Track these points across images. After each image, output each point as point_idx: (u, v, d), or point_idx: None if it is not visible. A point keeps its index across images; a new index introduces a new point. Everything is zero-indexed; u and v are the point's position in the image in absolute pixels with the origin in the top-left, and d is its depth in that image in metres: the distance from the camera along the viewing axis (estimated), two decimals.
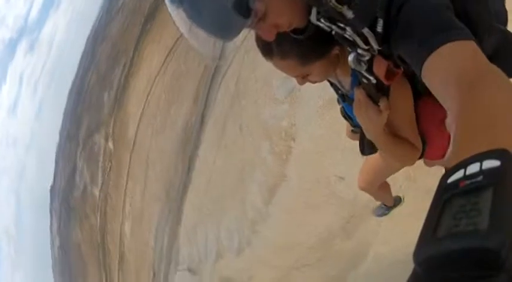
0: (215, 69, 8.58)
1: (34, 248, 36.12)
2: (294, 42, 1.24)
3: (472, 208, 0.38)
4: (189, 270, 8.02)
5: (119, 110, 15.80)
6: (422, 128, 1.47)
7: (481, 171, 0.42)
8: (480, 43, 0.98)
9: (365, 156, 1.98)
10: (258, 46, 1.35)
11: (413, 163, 1.56)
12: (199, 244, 7.72)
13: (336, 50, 1.36)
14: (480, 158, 0.43)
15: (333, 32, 1.10)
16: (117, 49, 19.36)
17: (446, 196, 0.42)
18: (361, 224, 4.03)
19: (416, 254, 0.38)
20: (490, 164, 0.42)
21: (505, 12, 1.28)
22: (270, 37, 1.08)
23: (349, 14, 0.99)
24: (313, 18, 1.06)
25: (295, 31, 1.15)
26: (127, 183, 13.04)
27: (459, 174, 0.43)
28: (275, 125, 6.13)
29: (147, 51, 14.73)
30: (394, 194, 3.19)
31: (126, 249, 12.49)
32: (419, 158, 1.56)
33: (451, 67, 0.79)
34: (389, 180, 2.53)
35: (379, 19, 0.99)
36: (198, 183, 8.40)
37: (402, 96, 1.35)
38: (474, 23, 1.02)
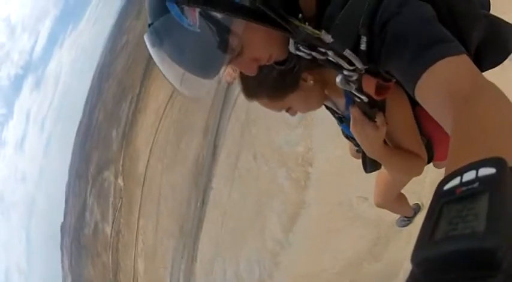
0: (224, 100, 8.51)
1: None
2: (260, 82, 1.28)
3: (468, 213, 0.39)
4: None
5: (128, 146, 15.84)
6: (427, 132, 1.46)
7: (477, 178, 0.42)
8: (469, 36, 1.01)
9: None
10: (241, 89, 1.39)
11: (420, 173, 1.51)
12: (217, 279, 7.48)
13: (309, 79, 1.37)
14: (476, 165, 0.44)
15: (316, 58, 1.09)
16: (123, 85, 19.66)
17: (442, 202, 0.43)
18: (389, 244, 3.89)
19: (414, 256, 0.38)
20: (486, 171, 0.43)
21: None
22: (251, 71, 1.08)
23: (328, 38, 0.97)
24: (291, 48, 1.07)
25: (277, 62, 1.15)
26: (139, 219, 12.90)
27: (455, 181, 0.44)
28: (290, 150, 6.02)
29: (153, 86, 14.79)
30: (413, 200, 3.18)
31: None
32: (428, 162, 1.53)
33: (444, 85, 0.78)
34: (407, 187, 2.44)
35: (363, 37, 0.97)
36: (213, 216, 8.23)
37: (399, 107, 1.33)
38: (460, 18, 1.02)
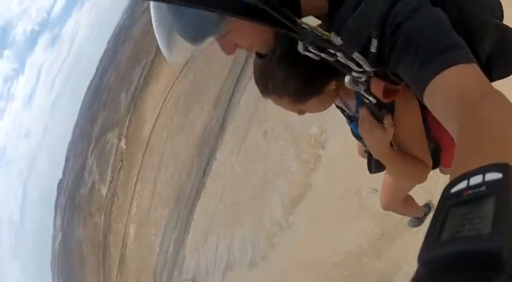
0: (240, 73, 8.21)
1: (35, 239, 36.71)
2: (287, 81, 1.26)
3: (475, 216, 0.39)
4: (194, 281, 7.65)
5: (135, 110, 15.71)
6: (436, 137, 1.48)
7: (484, 182, 0.43)
8: (480, 44, 1.02)
9: None
10: (257, 85, 1.37)
11: (424, 180, 1.51)
12: (207, 254, 7.31)
13: (332, 85, 1.37)
14: (483, 170, 0.45)
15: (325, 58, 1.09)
16: (138, 49, 19.35)
17: (449, 204, 0.43)
18: (393, 242, 3.73)
19: (420, 256, 0.39)
20: (492, 176, 0.44)
21: (500, 5, 1.25)
22: (230, 52, 1.11)
23: (338, 41, 0.99)
24: (300, 48, 1.08)
25: (258, 54, 1.18)
26: (136, 184, 12.80)
27: (462, 184, 0.45)
28: (303, 130, 5.73)
29: None
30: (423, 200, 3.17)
31: (128, 251, 12.21)
32: (434, 167, 1.55)
33: (452, 92, 0.79)
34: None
35: (373, 39, 0.97)
36: (212, 188, 8.01)
37: (408, 110, 1.32)
38: (472, 26, 1.02)
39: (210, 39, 1.04)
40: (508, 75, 1.18)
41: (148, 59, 16.55)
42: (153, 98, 14.22)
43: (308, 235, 5.02)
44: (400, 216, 3.37)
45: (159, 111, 12.70)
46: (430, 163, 1.46)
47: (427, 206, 3.25)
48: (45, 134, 43.97)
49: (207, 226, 7.66)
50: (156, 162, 11.68)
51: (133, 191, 12.72)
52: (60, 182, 27.76)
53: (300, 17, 0.99)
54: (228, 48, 1.10)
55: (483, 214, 0.39)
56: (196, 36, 1.03)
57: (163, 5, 0.98)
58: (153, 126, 12.72)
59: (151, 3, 1.02)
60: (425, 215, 3.21)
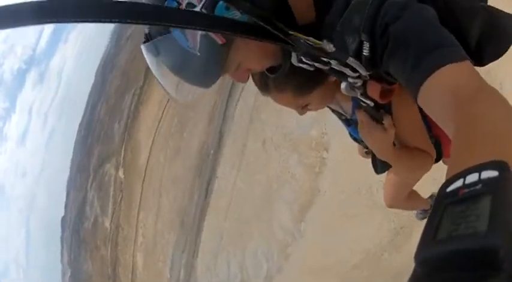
0: (232, 85, 8.09)
1: (44, 277, 36.09)
2: (289, 74, 1.21)
3: (471, 214, 0.39)
4: None
5: (130, 139, 15.63)
6: (436, 131, 1.47)
7: (480, 181, 0.43)
8: (468, 31, 1.02)
9: None
10: (255, 82, 1.35)
11: (428, 170, 1.54)
12: (220, 274, 7.11)
13: (332, 77, 1.32)
14: (479, 168, 0.45)
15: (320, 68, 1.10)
16: (126, 78, 19.36)
17: (446, 203, 0.43)
18: (412, 234, 3.65)
19: (417, 255, 0.39)
20: (488, 174, 0.43)
21: None
22: (243, 80, 1.13)
23: (330, 48, 0.99)
24: (294, 60, 1.08)
25: (269, 70, 1.18)
26: (139, 213, 12.63)
27: (458, 183, 0.45)
28: (303, 135, 5.61)
29: None
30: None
31: (139, 281, 11.95)
32: (437, 161, 1.55)
33: (446, 91, 0.78)
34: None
35: (365, 43, 0.96)
36: (217, 207, 7.85)
37: (405, 108, 1.31)
38: (459, 14, 1.02)
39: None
40: (499, 57, 1.16)
41: (137, 87, 16.53)
42: (146, 124, 14.16)
43: (322, 240, 4.88)
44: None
45: (154, 137, 12.59)
46: (434, 152, 1.47)
47: (433, 197, 3.13)
48: (42, 171, 43.60)
49: (215, 246, 7.48)
50: (156, 189, 11.52)
51: (137, 220, 12.55)
52: (63, 218, 27.57)
53: (295, 27, 1.00)
54: (242, 77, 1.12)
55: (479, 212, 0.39)
56: (208, 80, 1.07)
57: (165, 67, 1.01)
58: (149, 152, 12.60)
59: (148, 61, 1.04)
60: (432, 206, 3.07)
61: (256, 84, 1.35)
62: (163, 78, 1.05)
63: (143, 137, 14.07)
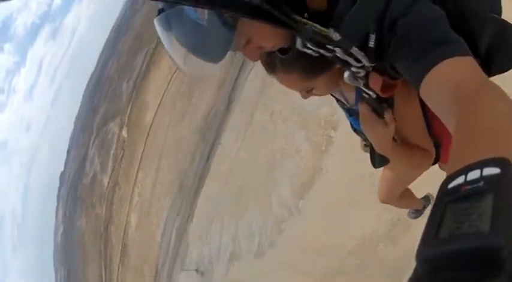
0: None
1: (37, 231, 37.17)
2: (297, 56, 1.19)
3: (473, 212, 0.39)
4: (197, 271, 7.39)
5: (137, 98, 15.53)
6: (435, 132, 1.46)
7: (482, 178, 0.43)
8: (478, 38, 1.05)
9: None
10: (261, 62, 1.32)
11: (427, 168, 1.57)
12: (211, 243, 7.05)
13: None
14: (480, 165, 0.45)
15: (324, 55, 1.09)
16: (140, 39, 19.23)
17: (447, 200, 0.43)
18: (409, 228, 3.51)
19: (418, 254, 0.39)
20: (490, 171, 0.43)
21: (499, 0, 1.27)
22: (254, 58, 1.13)
23: (336, 36, 1.00)
24: (299, 45, 1.07)
25: (280, 51, 1.17)
26: (138, 172, 12.60)
27: (460, 180, 0.45)
28: (313, 112, 5.40)
29: None
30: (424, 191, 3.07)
31: (130, 241, 12.08)
32: (434, 163, 1.57)
33: (448, 85, 0.79)
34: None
35: (371, 34, 0.99)
36: (216, 174, 7.72)
37: (407, 104, 1.32)
38: (469, 20, 1.03)
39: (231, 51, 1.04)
40: (508, 69, 1.17)
41: (150, 47, 16.41)
42: (155, 85, 14.01)
43: (319, 221, 4.73)
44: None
45: (162, 98, 12.46)
46: (433, 151, 1.47)
47: (426, 198, 3.15)
48: (46, 126, 44.25)
49: (211, 213, 7.39)
50: (158, 150, 11.44)
51: (135, 180, 12.54)
52: (62, 173, 27.98)
53: (304, 13, 1.00)
54: (253, 54, 1.11)
55: (482, 210, 0.38)
56: (217, 55, 1.04)
57: (175, 40, 1.00)
58: (155, 113, 12.50)
59: (160, 34, 1.03)
60: (425, 207, 3.14)
61: (263, 63, 1.33)
62: (175, 51, 1.04)
63: (151, 97, 13.95)
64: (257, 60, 1.17)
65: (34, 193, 41.56)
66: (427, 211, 3.09)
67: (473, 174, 0.44)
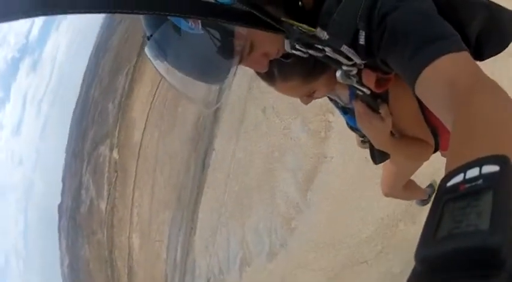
0: None
1: (43, 265, 37.19)
2: (295, 62, 1.19)
3: (472, 210, 0.39)
4: None
5: (124, 117, 15.35)
6: (433, 121, 1.44)
7: (481, 176, 0.43)
8: (468, 26, 1.04)
9: None
10: (259, 75, 1.31)
11: (427, 159, 1.57)
12: (219, 252, 6.81)
13: None
14: (479, 163, 0.45)
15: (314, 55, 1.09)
16: (119, 58, 19.21)
17: (446, 199, 0.43)
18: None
19: (417, 253, 0.39)
20: (489, 168, 0.43)
21: None
22: (263, 68, 1.09)
23: (324, 35, 0.98)
24: (287, 47, 1.07)
25: (283, 56, 1.14)
26: (134, 192, 12.37)
27: (459, 178, 0.45)
28: None
29: None
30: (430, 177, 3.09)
31: (135, 263, 11.78)
32: (434, 151, 1.55)
33: (444, 81, 0.78)
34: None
35: (361, 31, 0.97)
36: (214, 181, 7.49)
37: (402, 97, 1.30)
38: (459, 8, 1.03)
39: (235, 66, 0.99)
40: (498, 52, 1.15)
41: (130, 65, 16.20)
42: (140, 101, 13.90)
43: (330, 212, 4.50)
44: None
45: (148, 112, 12.30)
46: (432, 141, 1.47)
47: (431, 186, 3.19)
48: (38, 159, 44.37)
49: (214, 222, 7.13)
50: (151, 166, 11.26)
51: (132, 199, 12.33)
52: (60, 205, 27.69)
53: (290, 13, 0.99)
54: (259, 63, 1.07)
55: (481, 209, 0.38)
56: (219, 70, 0.99)
57: (176, 73, 0.96)
58: (144, 129, 12.32)
59: (153, 63, 0.99)
60: (430, 196, 3.14)
61: (260, 75, 1.30)
62: (175, 79, 0.99)
63: (137, 114, 13.82)
64: (266, 69, 1.10)
65: (34, 227, 41.57)
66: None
67: (472, 172, 0.43)
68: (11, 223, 45.63)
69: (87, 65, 28.24)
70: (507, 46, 1.16)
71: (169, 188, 9.71)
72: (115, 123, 16.33)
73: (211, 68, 0.99)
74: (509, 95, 0.68)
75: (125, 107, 15.56)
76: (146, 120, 12.33)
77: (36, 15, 0.70)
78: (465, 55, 0.82)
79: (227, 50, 0.95)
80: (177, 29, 0.91)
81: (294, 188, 5.09)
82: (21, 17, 0.70)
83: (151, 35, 0.95)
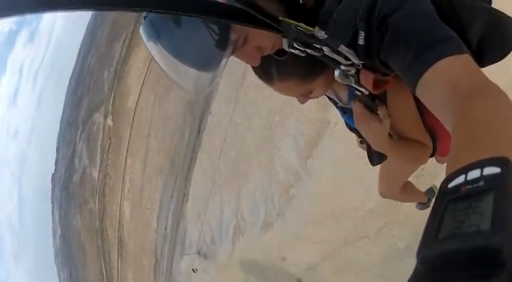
0: None
1: (36, 237, 37.95)
2: (293, 61, 1.16)
3: (473, 211, 0.39)
4: (199, 254, 6.96)
5: (119, 84, 15.12)
6: (430, 125, 1.43)
7: (482, 177, 0.43)
8: (470, 31, 1.02)
9: None
10: (257, 73, 1.28)
11: (425, 162, 1.55)
12: (212, 221, 6.59)
13: None
14: (481, 164, 0.45)
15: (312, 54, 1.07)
16: (116, 25, 18.93)
17: (447, 200, 0.43)
18: (437, 177, 3.14)
19: (418, 254, 0.39)
20: (491, 170, 0.44)
21: None
22: (255, 61, 1.07)
23: (322, 35, 0.96)
24: (285, 46, 1.06)
25: (278, 53, 1.12)
26: (126, 159, 12.24)
27: (460, 179, 0.45)
28: None
29: None
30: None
31: (126, 233, 11.74)
32: (431, 155, 1.55)
33: (446, 84, 0.77)
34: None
35: (360, 32, 0.95)
36: (210, 146, 7.22)
37: (400, 98, 1.29)
38: (461, 13, 1.01)
39: (227, 56, 0.97)
40: (499, 60, 1.13)
41: (128, 32, 16.02)
42: (136, 67, 13.64)
43: (332, 181, 4.23)
44: None
45: (144, 78, 12.01)
46: (430, 144, 1.46)
47: (431, 190, 3.12)
48: (33, 130, 44.84)
49: (207, 189, 6.88)
50: (145, 130, 11.03)
51: (124, 166, 12.21)
52: (54, 175, 28.00)
53: (290, 13, 0.96)
54: (252, 57, 1.03)
55: (482, 210, 0.38)
56: (213, 57, 0.95)
57: (165, 51, 0.92)
58: (139, 94, 12.06)
59: (146, 44, 0.94)
60: (430, 200, 3.08)
61: (259, 75, 1.27)
62: (166, 63, 0.93)
63: (133, 80, 13.58)
64: (258, 64, 1.06)
65: (29, 199, 42.07)
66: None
67: (474, 174, 0.44)
68: (5, 196, 46.19)
69: (84, 34, 28.00)
70: (509, 53, 1.12)
71: (163, 153, 9.50)
72: (110, 90, 16.15)
73: (202, 55, 0.95)
74: (510, 97, 0.66)
75: (120, 74, 15.36)
76: (142, 85, 12.07)
77: (38, 11, 0.72)
78: (467, 58, 0.81)
79: (220, 40, 0.92)
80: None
81: (294, 154, 4.80)
82: (25, 13, 0.73)
83: (146, 16, 0.92)
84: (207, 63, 0.99)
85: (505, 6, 1.23)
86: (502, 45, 1.13)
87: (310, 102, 3.88)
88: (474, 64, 0.81)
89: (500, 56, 1.14)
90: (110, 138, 14.62)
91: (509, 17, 1.13)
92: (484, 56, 1.10)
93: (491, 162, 0.44)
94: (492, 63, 1.13)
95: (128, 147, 12.10)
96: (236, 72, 6.36)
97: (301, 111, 4.85)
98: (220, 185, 6.49)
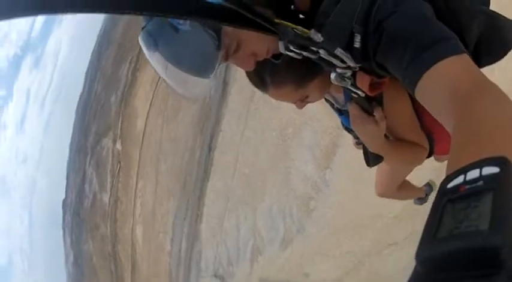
0: None
1: (48, 263, 37.87)
2: (287, 68, 1.23)
3: (472, 211, 0.40)
4: (216, 276, 6.86)
5: (126, 107, 15.22)
6: (428, 125, 1.46)
7: (481, 177, 0.44)
8: (467, 32, 1.05)
9: None
10: (251, 81, 1.32)
11: (421, 162, 1.57)
12: (228, 241, 6.51)
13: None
14: (480, 164, 0.46)
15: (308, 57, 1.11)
16: (122, 49, 19.07)
17: (446, 200, 0.43)
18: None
19: (417, 254, 0.39)
20: (490, 170, 0.44)
21: None
22: (249, 67, 1.09)
23: (318, 38, 0.99)
24: (281, 49, 1.08)
25: (273, 56, 1.15)
26: (137, 182, 12.20)
27: (459, 179, 0.45)
28: None
29: None
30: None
31: (139, 256, 11.64)
32: (429, 156, 1.57)
33: (445, 85, 0.78)
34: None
35: (356, 35, 0.97)
36: (222, 164, 7.18)
37: (396, 100, 1.32)
38: (458, 14, 1.04)
39: (220, 61, 1.00)
40: (496, 61, 1.17)
41: (133, 54, 16.03)
42: (143, 89, 13.74)
43: (352, 190, 4.17)
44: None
45: (151, 100, 12.09)
46: (427, 144, 1.48)
47: (428, 185, 3.10)
48: (42, 156, 45.09)
49: (222, 209, 6.82)
50: (154, 153, 11.05)
51: (135, 190, 12.19)
52: (64, 201, 28.07)
53: (286, 15, 1.00)
54: (246, 62, 1.06)
55: (481, 210, 0.39)
56: (207, 65, 0.99)
57: (161, 57, 0.96)
58: (147, 116, 12.13)
59: (146, 54, 0.98)
60: (427, 194, 3.07)
61: (253, 83, 1.31)
62: (165, 71, 0.97)
63: (140, 102, 13.65)
64: (252, 69, 1.07)
65: (39, 225, 42.25)
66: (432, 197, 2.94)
67: (473, 174, 0.44)
68: (16, 221, 46.30)
69: (91, 58, 28.25)
70: (505, 55, 1.14)
71: (174, 175, 9.47)
72: (118, 114, 16.22)
73: (196, 63, 0.98)
74: (510, 97, 0.66)
75: (127, 97, 15.44)
76: (149, 107, 12.13)
77: (35, 14, 0.73)
78: (465, 58, 0.81)
79: (212, 48, 0.94)
80: (168, 23, 0.92)
81: (311, 165, 4.75)
82: (22, 16, 0.73)
83: (145, 26, 0.96)
84: (200, 70, 0.99)
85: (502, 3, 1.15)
86: (499, 47, 1.16)
87: (325, 109, 3.77)
88: (473, 64, 0.81)
89: (497, 57, 1.17)
90: (119, 162, 14.70)
91: (506, 18, 1.16)
92: (482, 56, 1.11)
93: (490, 162, 0.44)
94: (489, 64, 1.15)
95: (137, 171, 12.13)
96: (245, 89, 6.34)
97: (315, 120, 4.82)
98: (235, 203, 6.41)
